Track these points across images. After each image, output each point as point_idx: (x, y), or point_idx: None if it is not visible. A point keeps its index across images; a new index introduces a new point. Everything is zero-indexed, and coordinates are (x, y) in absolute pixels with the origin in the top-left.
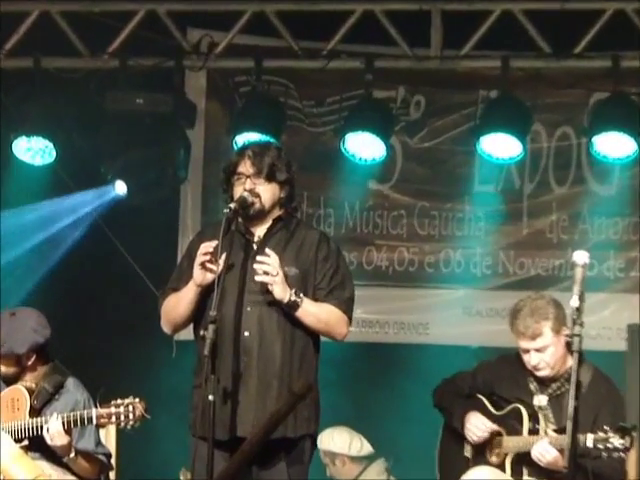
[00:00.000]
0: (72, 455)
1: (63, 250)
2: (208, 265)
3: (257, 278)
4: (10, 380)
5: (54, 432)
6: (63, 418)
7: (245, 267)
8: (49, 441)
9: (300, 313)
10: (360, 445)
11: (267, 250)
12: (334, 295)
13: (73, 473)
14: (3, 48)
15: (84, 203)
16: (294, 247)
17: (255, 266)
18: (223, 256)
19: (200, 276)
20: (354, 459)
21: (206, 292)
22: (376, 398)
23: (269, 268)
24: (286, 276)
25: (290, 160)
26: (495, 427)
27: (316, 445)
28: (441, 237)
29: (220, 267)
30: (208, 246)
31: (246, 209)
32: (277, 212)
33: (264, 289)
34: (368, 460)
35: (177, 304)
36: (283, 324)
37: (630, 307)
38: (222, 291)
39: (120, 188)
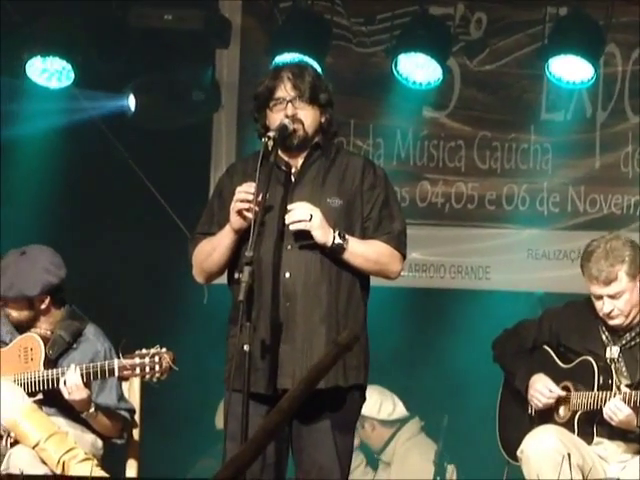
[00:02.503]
0: (91, 410)
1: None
2: (245, 213)
3: (291, 227)
4: (23, 327)
5: (72, 385)
6: (82, 370)
7: (285, 203)
8: (66, 395)
9: (347, 255)
10: (392, 408)
11: (289, 206)
12: (383, 228)
13: (92, 430)
14: None
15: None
16: (336, 176)
17: (286, 219)
18: (261, 194)
19: (237, 222)
20: (384, 423)
21: (244, 235)
22: (429, 350)
23: (298, 215)
24: (329, 209)
25: (327, 80)
26: (562, 393)
27: (365, 398)
28: (503, 171)
29: (258, 205)
30: (245, 191)
31: (287, 138)
32: (316, 139)
33: (305, 231)
34: (400, 423)
35: (212, 252)
36: (328, 263)
37: None
38: (260, 230)
39: (132, 102)
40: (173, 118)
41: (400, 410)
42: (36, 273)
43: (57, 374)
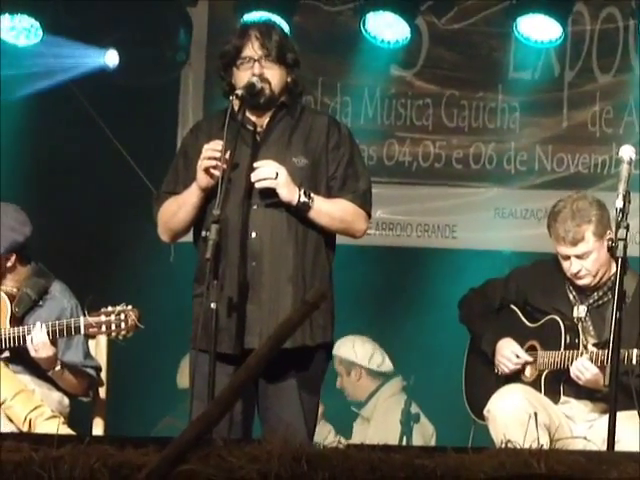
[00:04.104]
0: (58, 368)
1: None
2: (212, 171)
3: (257, 185)
4: None
5: (38, 343)
6: (48, 327)
7: (251, 162)
8: (32, 353)
9: (312, 214)
10: (381, 360)
11: (255, 164)
12: (348, 187)
13: (59, 388)
14: None
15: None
16: (301, 135)
17: (252, 177)
18: (227, 152)
19: (204, 180)
20: (371, 373)
21: (210, 194)
22: (396, 308)
23: (263, 173)
24: (295, 168)
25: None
26: (529, 358)
27: (331, 357)
28: (471, 130)
29: (225, 163)
30: (213, 149)
31: (254, 97)
32: (282, 99)
33: (271, 190)
34: (385, 377)
35: (177, 210)
36: (295, 223)
37: None
38: (226, 189)
39: (111, 59)
40: (144, 76)
41: (388, 364)
42: (1, 231)
43: (23, 332)
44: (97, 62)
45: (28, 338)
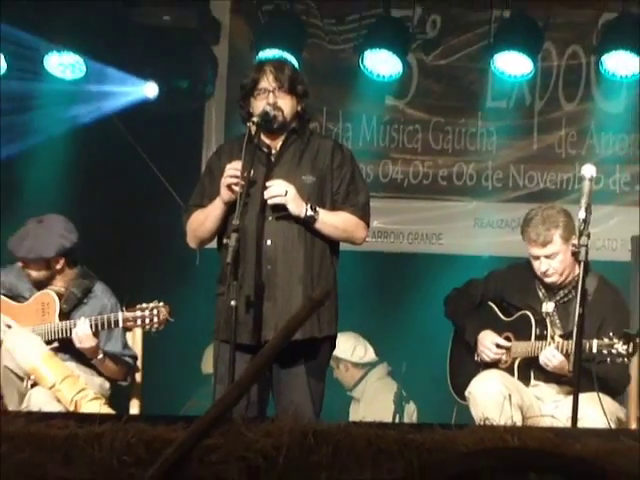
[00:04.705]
0: (100, 357)
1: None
2: (234, 187)
3: (269, 202)
4: (41, 284)
5: (82, 335)
6: (91, 321)
7: (266, 180)
8: (77, 343)
9: (318, 225)
10: (364, 352)
11: (267, 182)
12: (350, 201)
13: (100, 374)
14: None
15: (108, 101)
16: (310, 156)
17: (265, 194)
18: (246, 171)
19: (227, 195)
20: (356, 365)
21: (231, 207)
22: (391, 305)
23: (275, 191)
24: (304, 185)
25: (303, 74)
26: (507, 344)
27: (335, 347)
28: (454, 151)
29: (244, 180)
30: (234, 168)
31: (268, 123)
32: (293, 125)
33: (283, 204)
34: (370, 366)
35: (204, 221)
36: (304, 232)
37: (634, 219)
38: (245, 202)
39: (151, 91)
40: (176, 103)
41: (370, 355)
42: (52, 238)
43: (70, 325)
44: (138, 94)
45: (74, 331)
